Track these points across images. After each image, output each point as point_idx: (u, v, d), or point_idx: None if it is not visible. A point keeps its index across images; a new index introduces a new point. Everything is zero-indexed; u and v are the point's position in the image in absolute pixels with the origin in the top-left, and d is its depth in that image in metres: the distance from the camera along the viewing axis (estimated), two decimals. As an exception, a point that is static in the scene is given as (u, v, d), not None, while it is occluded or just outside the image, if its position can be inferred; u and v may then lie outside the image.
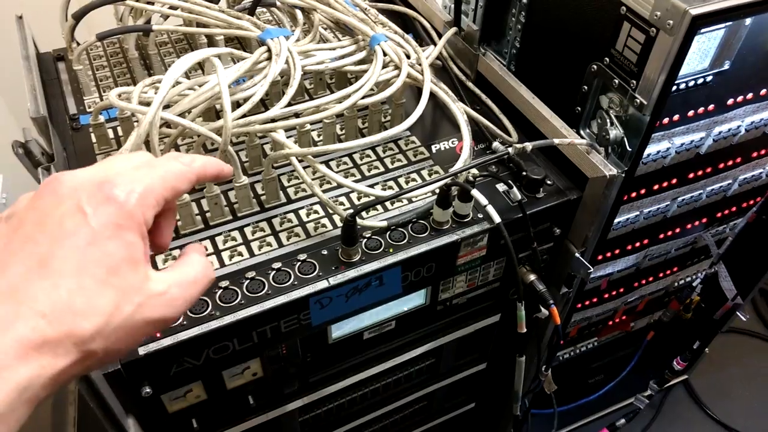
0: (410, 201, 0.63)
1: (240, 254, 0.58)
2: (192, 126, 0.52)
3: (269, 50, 0.62)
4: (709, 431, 1.32)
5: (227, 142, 0.53)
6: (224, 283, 0.55)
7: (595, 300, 0.89)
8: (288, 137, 0.59)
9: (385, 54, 0.64)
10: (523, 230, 0.62)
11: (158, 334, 0.51)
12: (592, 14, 0.62)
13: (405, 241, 0.59)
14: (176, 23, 0.73)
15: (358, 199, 0.63)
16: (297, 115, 0.60)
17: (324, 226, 0.60)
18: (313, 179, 0.61)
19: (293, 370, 0.63)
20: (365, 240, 0.59)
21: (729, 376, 1.41)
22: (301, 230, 0.60)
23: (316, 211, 0.62)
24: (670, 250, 0.88)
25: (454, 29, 0.75)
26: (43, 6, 0.81)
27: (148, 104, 0.52)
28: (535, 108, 0.68)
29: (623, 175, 0.63)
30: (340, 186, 0.64)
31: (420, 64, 0.65)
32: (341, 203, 0.63)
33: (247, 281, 0.55)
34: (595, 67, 0.63)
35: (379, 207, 0.62)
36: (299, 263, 0.57)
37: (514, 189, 0.60)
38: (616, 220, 0.72)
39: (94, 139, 0.68)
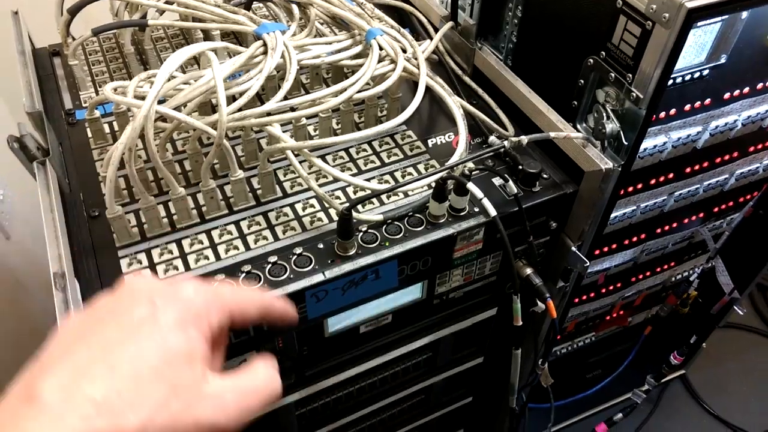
0: (406, 195, 0.63)
1: (236, 248, 0.58)
2: (187, 120, 0.52)
3: (265, 44, 0.62)
4: (706, 426, 1.33)
5: (222, 135, 0.53)
6: (220, 277, 0.55)
7: (592, 295, 0.90)
8: (284, 131, 0.59)
9: (381, 48, 0.64)
10: (519, 224, 0.62)
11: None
12: (589, 8, 0.62)
13: (401, 234, 0.59)
14: (172, 18, 0.73)
15: (354, 193, 0.63)
16: (293, 109, 0.60)
17: (320, 220, 0.61)
18: (309, 173, 0.61)
19: (289, 364, 0.63)
20: (361, 234, 0.59)
21: (726, 371, 1.41)
22: (297, 224, 0.60)
23: (312, 205, 0.62)
24: (668, 245, 0.88)
25: (450, 23, 0.75)
26: (39, 1, 0.80)
27: (143, 98, 0.52)
28: (531, 102, 0.68)
29: (619, 169, 0.63)
30: (336, 180, 0.64)
31: (416, 58, 0.65)
32: (337, 197, 0.63)
33: (243, 275, 0.55)
34: (591, 61, 0.63)
35: (375, 201, 0.62)
36: (295, 257, 0.57)
37: (510, 183, 0.60)
38: (613, 215, 0.72)
39: (89, 134, 0.68)
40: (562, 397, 1.11)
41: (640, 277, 0.93)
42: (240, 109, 0.57)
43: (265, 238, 0.59)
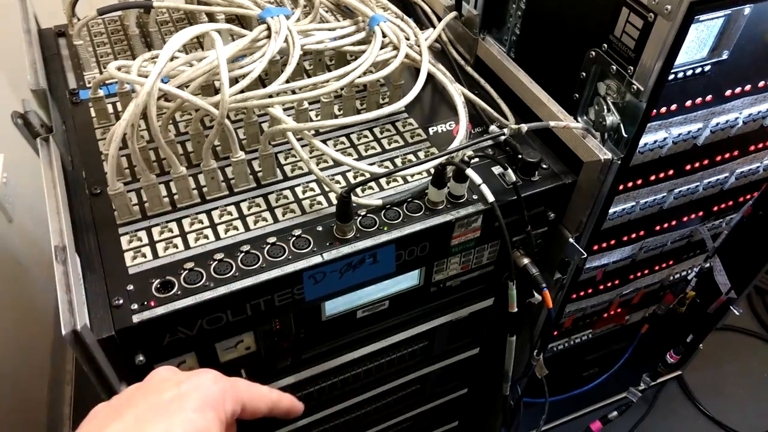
0: (406, 181, 0.63)
1: (235, 228, 0.58)
2: (190, 98, 0.52)
3: (269, 28, 0.62)
4: (701, 427, 1.33)
5: (224, 114, 0.53)
6: (219, 256, 0.55)
7: (590, 291, 0.90)
8: (286, 116, 0.60)
9: (384, 35, 0.64)
10: (518, 213, 0.62)
11: (152, 303, 0.52)
12: (592, 0, 0.62)
13: (400, 219, 0.59)
14: (177, 1, 0.74)
15: (354, 178, 0.64)
16: (295, 92, 0.60)
17: (320, 203, 0.61)
18: (310, 157, 0.61)
19: (286, 346, 0.64)
20: (360, 218, 0.59)
21: (723, 374, 1.41)
22: (296, 207, 0.60)
23: (312, 189, 0.62)
24: (666, 243, 0.88)
25: (454, 13, 0.76)
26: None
27: (147, 77, 0.52)
28: (532, 92, 0.68)
29: (619, 162, 0.64)
30: (336, 165, 0.64)
31: (418, 46, 0.66)
32: (337, 182, 0.63)
33: (242, 254, 0.56)
34: (593, 53, 0.63)
35: (374, 186, 0.63)
36: (294, 238, 0.57)
37: (509, 171, 0.60)
38: (612, 210, 0.73)
39: (93, 114, 0.68)
40: (558, 394, 1.11)
41: (638, 274, 0.93)
42: (242, 91, 0.57)
43: (264, 219, 0.59)
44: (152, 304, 0.52)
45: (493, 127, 0.68)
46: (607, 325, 1.04)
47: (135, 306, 0.51)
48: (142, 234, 0.57)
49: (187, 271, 0.54)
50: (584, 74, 0.65)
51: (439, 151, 0.67)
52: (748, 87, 0.68)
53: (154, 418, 0.37)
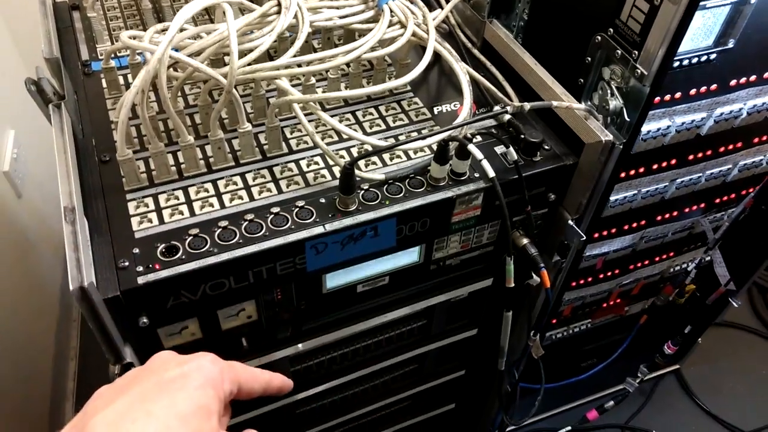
0: (409, 157, 0.64)
1: (240, 198, 0.59)
2: (199, 66, 0.54)
3: (279, 4, 0.63)
4: (698, 422, 1.34)
5: (232, 83, 0.55)
6: (223, 223, 0.57)
7: (590, 279, 0.90)
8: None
9: (392, 13, 0.65)
10: (518, 192, 0.63)
11: (157, 266, 0.53)
12: (599, -15, 0.63)
13: (401, 194, 0.60)
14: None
15: (358, 152, 0.65)
16: (302, 66, 0.61)
17: (323, 176, 0.62)
18: (315, 131, 0.62)
19: (287, 316, 0.65)
20: (363, 192, 0.60)
21: (721, 369, 1.42)
22: (300, 179, 0.62)
23: (316, 162, 0.63)
24: (667, 234, 0.88)
25: (462, -5, 0.77)
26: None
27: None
28: (537, 74, 0.69)
29: (621, 147, 0.64)
30: (341, 140, 0.65)
31: (426, 25, 0.67)
32: (342, 156, 0.64)
33: (246, 222, 0.57)
34: (599, 38, 0.64)
35: (378, 161, 0.64)
36: (297, 209, 0.58)
37: (511, 150, 0.61)
38: (613, 198, 0.73)
39: (104, 84, 0.70)
40: (555, 382, 1.12)
41: (639, 265, 0.93)
42: (251, 64, 0.58)
43: (269, 190, 0.60)
44: (157, 267, 0.53)
45: (497, 108, 0.69)
46: (607, 316, 1.05)
47: (140, 268, 0.53)
48: (149, 200, 0.59)
49: (191, 237, 0.55)
50: (589, 59, 0.66)
51: (443, 130, 0.68)
52: (753, 77, 0.68)
53: (158, 394, 0.39)
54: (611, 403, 1.15)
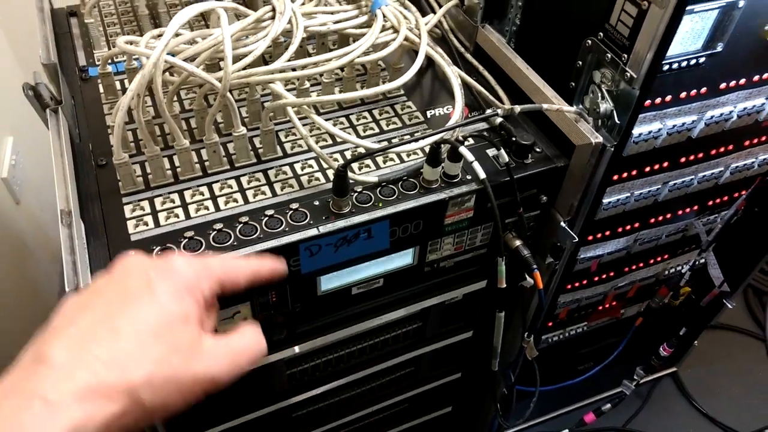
0: (402, 160, 0.65)
1: (235, 200, 0.60)
2: (194, 70, 0.54)
3: (273, 9, 0.64)
4: (695, 424, 1.34)
5: (227, 87, 0.55)
6: (218, 226, 0.57)
7: (584, 282, 0.91)
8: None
9: (385, 18, 0.66)
10: (510, 194, 0.64)
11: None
12: (590, -11, 0.64)
13: (394, 196, 0.61)
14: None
15: (352, 155, 0.65)
16: (296, 70, 0.62)
17: (317, 179, 0.63)
18: (309, 135, 0.63)
19: (282, 319, 0.65)
20: (356, 194, 0.61)
21: (718, 372, 1.42)
22: (295, 182, 0.62)
23: (310, 165, 0.64)
24: (661, 236, 0.89)
25: (454, 1, 0.78)
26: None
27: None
28: (528, 78, 0.70)
29: (612, 149, 0.65)
30: (335, 142, 0.66)
31: (418, 29, 0.68)
32: (335, 159, 0.65)
33: (241, 225, 0.57)
34: (589, 42, 0.65)
35: (371, 164, 0.64)
36: (291, 211, 0.59)
37: (503, 152, 0.62)
38: (606, 200, 0.74)
39: (101, 90, 0.70)
40: (552, 384, 1.12)
41: (633, 267, 0.94)
42: (246, 68, 0.59)
43: (263, 193, 0.61)
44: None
45: (489, 111, 0.70)
46: (602, 318, 1.05)
47: (136, 270, 0.53)
48: (145, 204, 0.59)
49: (187, 240, 0.56)
50: (580, 63, 0.67)
51: (436, 133, 0.69)
52: (742, 81, 0.69)
53: (123, 309, 0.36)
54: (608, 406, 1.15)
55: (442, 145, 0.59)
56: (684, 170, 0.78)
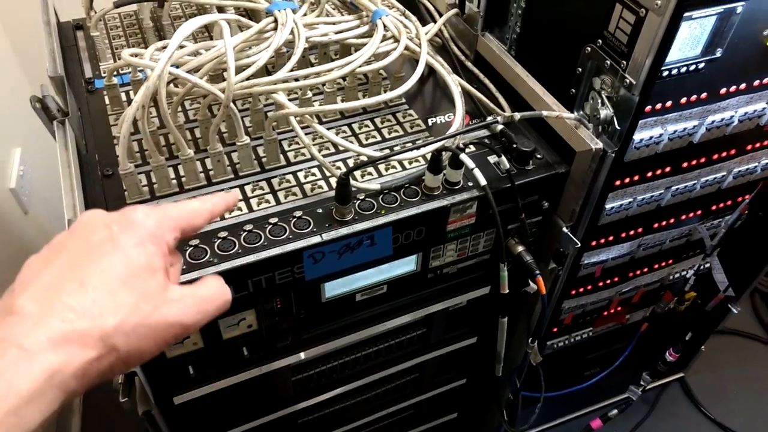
0: (404, 168, 0.66)
1: (239, 209, 0.61)
2: (198, 82, 0.55)
3: (276, 21, 0.65)
4: (704, 430, 1.33)
5: (230, 98, 0.56)
6: (223, 234, 0.58)
7: (589, 287, 0.91)
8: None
9: (385, 28, 0.67)
10: (512, 200, 0.64)
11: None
12: (588, -2, 0.65)
13: (397, 204, 0.61)
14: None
15: (354, 164, 0.66)
16: (299, 80, 0.63)
17: (320, 187, 0.63)
18: (312, 144, 0.64)
19: (287, 326, 0.66)
20: (359, 202, 0.61)
21: (726, 377, 1.41)
22: (298, 190, 0.63)
23: (313, 174, 0.65)
24: (665, 241, 0.89)
25: (455, 10, 0.78)
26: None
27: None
28: (528, 86, 0.70)
29: (612, 155, 0.66)
30: (337, 151, 0.67)
31: (419, 38, 0.68)
32: (338, 167, 0.66)
33: (245, 233, 0.58)
34: (588, 49, 0.65)
35: (373, 172, 0.65)
36: (295, 219, 0.60)
37: (503, 159, 0.62)
38: (609, 206, 0.74)
39: (107, 101, 0.71)
40: (558, 390, 1.12)
41: (638, 272, 0.94)
42: (249, 79, 0.60)
43: (267, 201, 0.62)
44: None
45: (490, 118, 0.70)
46: (608, 324, 1.05)
47: (142, 279, 0.54)
48: (151, 213, 0.60)
49: (192, 248, 0.57)
50: (580, 70, 0.67)
51: (438, 140, 0.69)
52: (743, 85, 0.69)
53: (88, 261, 0.36)
54: (615, 411, 1.14)
55: (443, 153, 0.60)
56: (686, 175, 0.78)
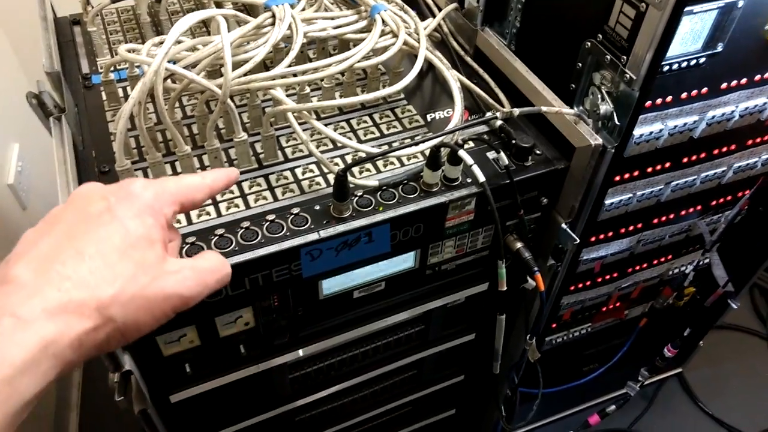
0: (402, 164, 0.65)
1: (236, 206, 0.60)
2: (195, 77, 0.55)
3: (273, 16, 0.64)
4: (701, 425, 1.33)
5: (227, 93, 0.56)
6: (220, 231, 0.58)
7: (588, 283, 0.91)
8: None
9: (384, 23, 0.67)
10: (510, 197, 0.64)
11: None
12: (588, -9, 0.64)
13: (395, 200, 0.61)
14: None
15: (352, 159, 0.66)
16: (297, 76, 0.63)
17: (318, 183, 0.63)
18: (310, 139, 0.63)
19: (284, 323, 0.66)
20: (357, 198, 0.61)
21: (724, 372, 1.42)
22: (296, 186, 0.63)
23: (311, 170, 0.65)
24: (665, 236, 0.89)
25: (454, 5, 0.78)
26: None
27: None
28: (528, 81, 0.70)
29: (612, 150, 0.65)
30: (335, 147, 0.66)
31: (417, 33, 0.68)
32: (336, 164, 0.65)
33: (242, 230, 0.58)
34: (588, 44, 0.65)
35: (371, 168, 0.65)
36: (292, 216, 0.59)
37: (502, 155, 0.62)
38: (608, 201, 0.74)
39: (104, 97, 0.71)
40: (555, 385, 1.12)
41: (637, 268, 0.94)
42: (246, 74, 0.59)
43: (264, 198, 0.61)
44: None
45: (489, 114, 0.70)
46: (606, 320, 1.05)
47: (138, 276, 0.54)
48: (148, 210, 0.60)
49: (189, 245, 0.56)
50: (580, 65, 0.67)
51: (437, 136, 0.69)
52: (744, 80, 0.69)
53: (86, 231, 0.36)
54: (613, 407, 1.15)
55: (442, 149, 0.59)
56: (686, 170, 0.77)
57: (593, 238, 0.81)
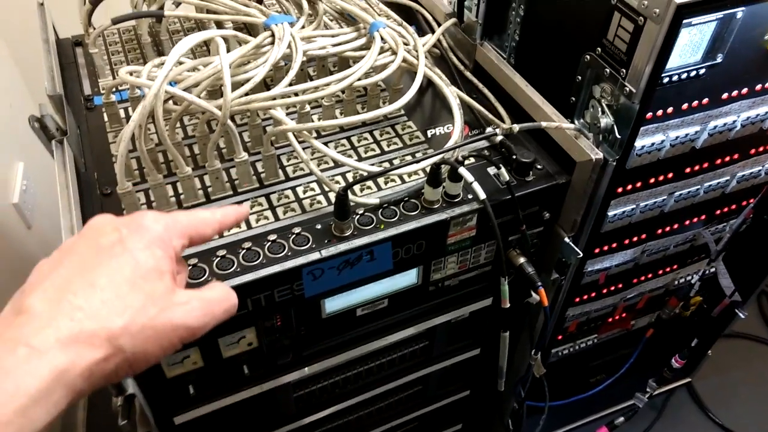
0: (403, 181, 0.65)
1: (238, 226, 0.60)
2: (194, 99, 0.55)
3: (273, 35, 0.65)
4: (712, 435, 1.32)
5: (227, 115, 0.56)
6: (221, 252, 0.58)
7: (593, 294, 0.90)
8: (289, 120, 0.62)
9: (383, 40, 0.67)
10: (512, 212, 0.64)
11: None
12: (586, 5, 0.64)
13: (396, 218, 0.61)
14: (188, 10, 0.77)
15: (353, 178, 0.66)
16: (297, 95, 0.63)
17: (319, 202, 0.63)
18: (311, 158, 0.64)
19: (287, 342, 0.65)
20: (358, 216, 0.61)
21: (734, 381, 1.40)
22: (297, 206, 0.63)
23: (312, 189, 0.65)
24: (669, 247, 0.88)
25: (453, 20, 0.78)
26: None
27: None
28: (527, 95, 0.70)
29: (614, 163, 0.65)
30: (336, 166, 0.66)
31: (416, 50, 0.68)
32: (337, 182, 0.65)
33: (244, 251, 0.58)
34: (588, 57, 0.65)
35: (372, 186, 0.65)
36: (294, 236, 0.59)
37: (503, 170, 0.62)
38: (612, 213, 0.74)
39: (106, 118, 0.71)
40: (563, 398, 1.11)
41: (642, 278, 0.93)
42: (246, 95, 0.60)
43: (266, 217, 0.61)
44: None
45: (489, 129, 0.70)
46: (612, 330, 1.04)
47: (140, 299, 0.54)
48: (149, 231, 0.60)
49: (191, 267, 0.56)
50: (580, 78, 0.67)
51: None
52: (745, 90, 0.69)
53: (98, 263, 0.36)
54: (621, 419, 1.13)
55: (442, 166, 0.59)
56: (689, 180, 0.77)
57: (597, 250, 0.80)
